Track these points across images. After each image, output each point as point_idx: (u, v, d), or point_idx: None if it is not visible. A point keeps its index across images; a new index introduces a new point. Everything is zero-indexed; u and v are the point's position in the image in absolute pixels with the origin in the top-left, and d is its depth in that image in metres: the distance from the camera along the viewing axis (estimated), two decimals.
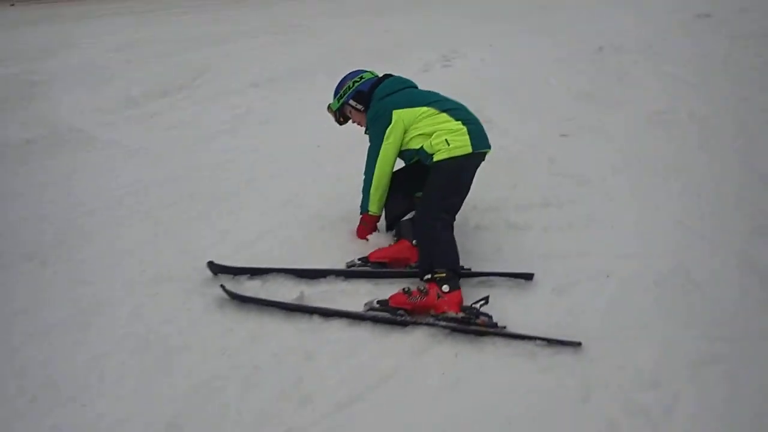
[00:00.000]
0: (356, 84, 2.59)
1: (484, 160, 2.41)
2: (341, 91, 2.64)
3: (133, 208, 3.03)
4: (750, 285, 2.11)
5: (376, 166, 2.46)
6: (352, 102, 2.59)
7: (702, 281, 2.13)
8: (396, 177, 2.54)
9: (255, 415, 1.70)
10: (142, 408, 1.74)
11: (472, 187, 2.37)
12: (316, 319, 2.07)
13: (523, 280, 2.25)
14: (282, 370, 1.86)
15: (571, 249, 2.44)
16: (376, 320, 2.05)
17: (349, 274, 2.36)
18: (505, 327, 1.96)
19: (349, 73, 2.66)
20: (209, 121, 4.48)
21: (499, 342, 1.90)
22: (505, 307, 2.10)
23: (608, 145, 3.51)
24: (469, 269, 2.29)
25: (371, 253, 2.42)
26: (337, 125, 2.76)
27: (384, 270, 2.37)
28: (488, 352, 1.88)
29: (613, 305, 2.06)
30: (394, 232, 2.57)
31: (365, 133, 2.60)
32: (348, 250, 2.50)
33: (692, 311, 2.00)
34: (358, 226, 2.62)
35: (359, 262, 2.42)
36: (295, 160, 3.55)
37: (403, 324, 2.02)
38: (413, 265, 2.35)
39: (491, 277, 2.26)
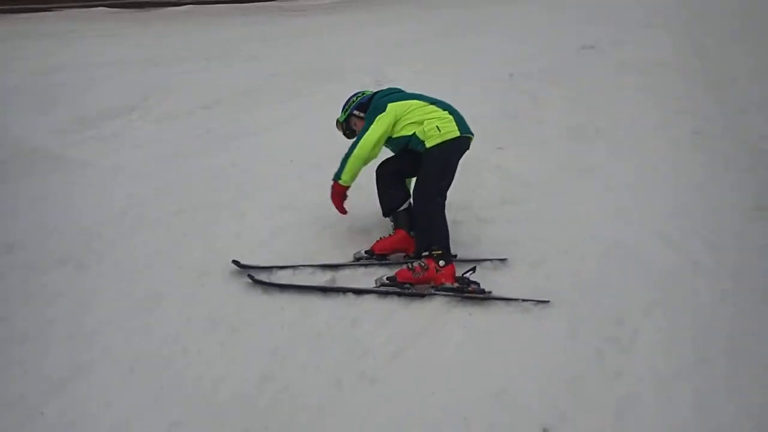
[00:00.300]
0: (359, 98, 3.11)
1: (468, 148, 2.90)
2: (346, 105, 3.14)
3: (142, 217, 3.31)
4: (668, 252, 2.86)
5: (360, 140, 2.84)
6: (356, 112, 3.08)
7: (636, 251, 2.87)
8: (389, 170, 3.00)
9: (332, 368, 2.15)
10: (231, 369, 2.13)
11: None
12: (350, 296, 2.55)
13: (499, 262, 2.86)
14: (338, 334, 2.33)
15: (533, 235, 3.08)
16: (386, 293, 2.55)
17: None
18: (491, 292, 2.55)
19: (353, 94, 3.17)
20: (174, 140, 4.74)
21: (501, 303, 2.48)
22: (495, 279, 2.69)
23: (538, 155, 4.23)
24: (455, 255, 2.83)
25: (374, 245, 2.91)
26: (344, 137, 3.18)
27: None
28: (494, 311, 2.47)
29: (577, 272, 2.72)
30: (391, 218, 2.99)
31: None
32: (354, 245, 2.98)
33: (634, 272, 2.71)
34: (331, 194, 2.92)
35: (365, 254, 2.90)
36: (277, 172, 3.94)
37: (410, 296, 2.53)
38: (411, 256, 2.88)
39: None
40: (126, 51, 7.89)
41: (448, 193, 2.81)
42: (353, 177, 2.88)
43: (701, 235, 3.03)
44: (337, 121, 3.20)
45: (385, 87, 3.26)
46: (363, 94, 3.16)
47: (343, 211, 2.98)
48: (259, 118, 5.22)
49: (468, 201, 3.46)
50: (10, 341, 2.24)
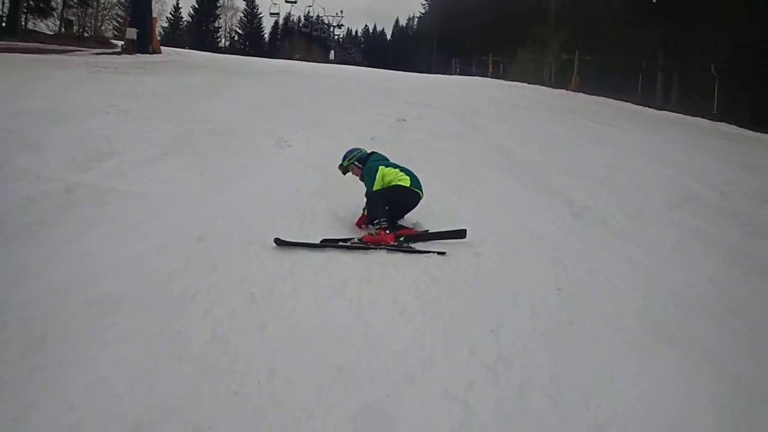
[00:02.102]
0: (358, 154, 5.56)
1: (418, 203, 5.43)
2: (350, 157, 5.56)
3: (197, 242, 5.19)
4: (572, 232, 5.82)
5: (372, 190, 5.33)
6: (357, 163, 5.53)
7: (540, 233, 5.70)
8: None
9: (327, 286, 4.38)
10: (267, 269, 4.42)
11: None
12: (339, 250, 4.85)
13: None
14: (333, 267, 4.52)
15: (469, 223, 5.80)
16: (354, 248, 4.87)
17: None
18: (414, 249, 5.09)
19: (352, 149, 5.68)
20: (174, 182, 6.38)
21: (417, 254, 5.06)
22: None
23: (469, 159, 7.01)
24: (427, 230, 5.39)
25: (364, 237, 5.17)
26: (342, 175, 5.72)
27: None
28: (431, 258, 5.05)
29: (502, 244, 5.40)
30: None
31: (360, 179, 5.53)
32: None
33: (540, 244, 5.49)
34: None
35: (357, 240, 5.14)
36: (287, 201, 6.00)
37: (371, 249, 4.88)
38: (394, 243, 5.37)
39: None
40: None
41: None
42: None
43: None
44: (341, 165, 5.61)
45: (377, 152, 5.75)
46: (360, 151, 5.62)
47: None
48: (235, 162, 7.07)
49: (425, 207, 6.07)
50: None
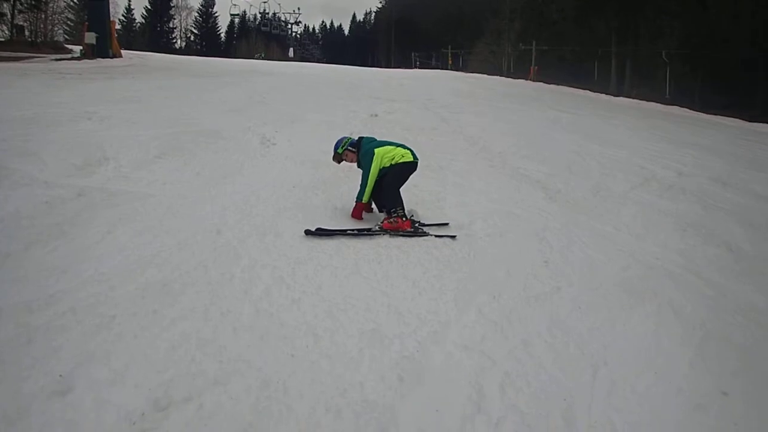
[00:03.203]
0: (349, 140, 5.97)
1: (416, 167, 5.89)
2: (342, 144, 5.93)
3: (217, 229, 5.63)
4: (549, 212, 6.43)
5: (368, 179, 5.68)
6: (350, 148, 5.91)
7: (521, 215, 6.31)
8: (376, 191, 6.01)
9: (352, 257, 4.97)
10: (309, 254, 4.95)
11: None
12: (377, 236, 5.45)
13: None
14: (358, 247, 5.17)
15: (456, 208, 6.36)
16: (377, 233, 5.44)
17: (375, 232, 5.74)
18: (429, 233, 5.67)
19: (340, 138, 6.07)
20: (175, 182, 6.75)
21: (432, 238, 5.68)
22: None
23: (443, 150, 7.54)
24: (413, 215, 5.93)
25: (383, 223, 5.79)
26: (336, 164, 6.12)
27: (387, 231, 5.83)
28: (430, 241, 5.61)
29: (489, 225, 5.98)
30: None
31: (357, 166, 5.91)
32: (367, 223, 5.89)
33: (523, 224, 6.08)
34: (353, 210, 5.72)
35: (377, 227, 5.78)
36: (287, 195, 6.44)
37: (390, 235, 5.43)
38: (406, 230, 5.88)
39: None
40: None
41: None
42: (369, 196, 5.82)
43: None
44: (336, 152, 5.96)
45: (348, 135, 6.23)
46: (349, 138, 6.05)
47: (361, 218, 5.80)
48: (227, 160, 7.46)
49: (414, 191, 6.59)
50: None
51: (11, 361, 3.02)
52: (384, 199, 5.72)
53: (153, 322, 3.47)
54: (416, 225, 5.68)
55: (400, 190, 5.71)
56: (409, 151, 5.82)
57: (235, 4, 52.23)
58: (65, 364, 3.03)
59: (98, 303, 3.63)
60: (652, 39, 24.94)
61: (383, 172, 5.69)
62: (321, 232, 5.23)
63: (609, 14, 27.54)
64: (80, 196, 5.84)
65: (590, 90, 23.35)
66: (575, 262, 5.13)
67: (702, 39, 21.78)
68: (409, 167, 5.77)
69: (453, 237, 5.47)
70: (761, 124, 16.60)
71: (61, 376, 2.93)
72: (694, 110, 19.08)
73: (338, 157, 6.01)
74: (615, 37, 28.06)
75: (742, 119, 17.35)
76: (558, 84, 24.67)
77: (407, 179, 5.83)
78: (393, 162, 5.69)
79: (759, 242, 5.83)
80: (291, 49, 54.32)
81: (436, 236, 5.46)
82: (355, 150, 5.90)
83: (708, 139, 12.87)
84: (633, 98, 21.51)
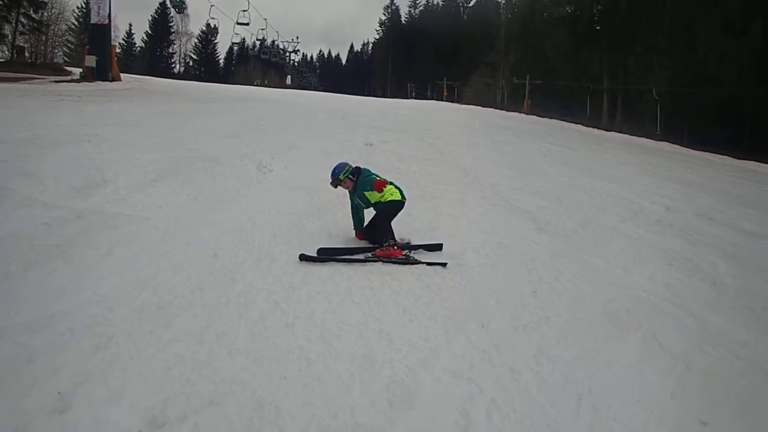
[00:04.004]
0: (350, 168, 6.08)
1: (403, 207, 6.08)
2: (344, 171, 6.03)
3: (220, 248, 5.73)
4: (539, 244, 6.56)
5: (356, 213, 6.11)
6: (351, 176, 6.06)
7: (511, 246, 6.42)
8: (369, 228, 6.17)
9: (344, 283, 5.13)
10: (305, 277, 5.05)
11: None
12: (369, 263, 5.56)
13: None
14: (350, 274, 5.28)
15: (447, 238, 6.49)
16: (371, 261, 5.60)
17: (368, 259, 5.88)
18: (420, 261, 5.79)
19: (341, 163, 6.16)
20: (171, 206, 6.86)
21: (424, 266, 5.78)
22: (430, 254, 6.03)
23: (436, 180, 7.68)
24: (409, 241, 6.14)
25: (375, 251, 5.94)
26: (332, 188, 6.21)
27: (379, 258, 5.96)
28: (421, 269, 5.72)
29: (480, 255, 6.11)
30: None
31: (351, 194, 6.10)
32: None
33: (513, 254, 6.21)
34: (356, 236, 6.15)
35: (371, 255, 5.91)
36: (282, 221, 6.57)
37: (383, 262, 5.59)
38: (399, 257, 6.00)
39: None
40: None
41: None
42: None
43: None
44: (338, 178, 6.04)
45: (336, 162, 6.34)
46: (350, 166, 6.13)
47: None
48: (224, 184, 7.59)
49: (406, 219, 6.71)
50: None
51: (11, 380, 3.10)
52: (377, 235, 5.90)
53: (149, 343, 3.56)
54: (407, 253, 5.80)
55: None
56: (397, 190, 6.06)
57: (237, 33, 52.98)
58: (64, 383, 3.12)
59: (96, 324, 3.72)
60: (642, 75, 25.47)
61: (377, 207, 5.97)
62: (317, 257, 5.39)
63: (600, 50, 28.16)
64: (79, 218, 5.96)
65: (582, 124, 23.77)
66: (563, 292, 5.24)
67: (690, 78, 22.28)
68: (397, 205, 5.99)
69: (444, 265, 5.59)
70: (749, 161, 16.91)
71: (60, 394, 3.01)
72: (683, 146, 19.44)
73: (337, 182, 6.12)
74: (606, 73, 28.65)
75: (731, 156, 17.67)
76: (551, 117, 25.08)
77: (396, 216, 6.03)
78: (382, 199, 5.92)
79: (742, 276, 5.96)
80: (289, 77, 54.95)
81: (427, 264, 5.57)
82: (354, 178, 6.06)
83: (696, 175, 13.13)
84: (624, 133, 21.89)
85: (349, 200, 6.26)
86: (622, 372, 3.92)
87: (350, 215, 6.29)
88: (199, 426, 2.90)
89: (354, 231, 6.26)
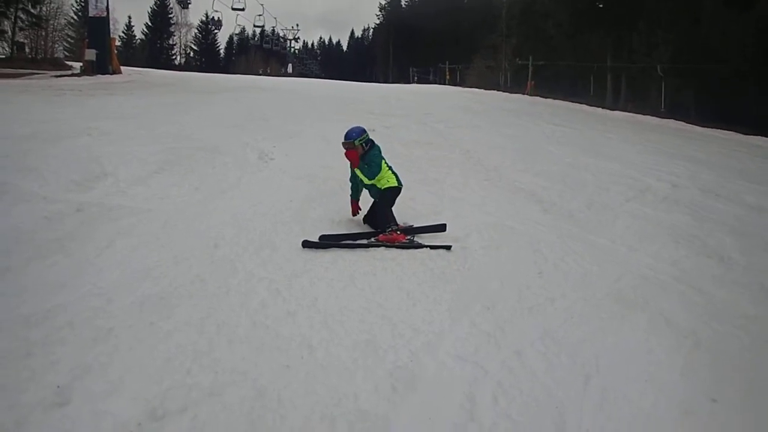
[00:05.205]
0: (366, 137, 5.97)
1: (400, 192, 6.05)
2: (360, 137, 5.90)
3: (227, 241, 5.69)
4: (544, 225, 6.49)
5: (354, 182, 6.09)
6: (365, 145, 5.97)
7: (516, 227, 6.36)
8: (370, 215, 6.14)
9: (347, 268, 5.07)
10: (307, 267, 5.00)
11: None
12: (372, 249, 5.49)
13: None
14: (355, 258, 5.23)
15: (451, 220, 6.42)
16: (374, 246, 5.54)
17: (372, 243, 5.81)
18: (424, 245, 5.72)
19: (359, 128, 6.03)
20: (173, 197, 6.81)
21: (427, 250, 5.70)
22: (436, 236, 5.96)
23: (439, 163, 7.59)
24: (412, 225, 6.08)
25: (378, 236, 5.88)
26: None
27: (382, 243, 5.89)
28: (425, 253, 5.65)
29: (484, 237, 6.04)
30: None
31: (359, 159, 5.93)
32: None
33: (517, 236, 6.15)
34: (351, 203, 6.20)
35: (374, 240, 5.85)
36: (284, 209, 6.51)
37: (386, 247, 5.51)
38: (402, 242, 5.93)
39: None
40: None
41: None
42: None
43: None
44: (353, 142, 5.88)
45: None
46: (367, 134, 6.00)
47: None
48: (226, 173, 7.53)
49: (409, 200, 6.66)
50: None
51: (10, 374, 3.07)
52: (378, 221, 5.87)
53: (149, 334, 3.53)
54: (411, 237, 5.74)
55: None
56: (394, 176, 6.04)
57: (238, 24, 52.60)
58: (63, 376, 3.09)
59: (96, 316, 3.69)
60: (646, 53, 25.16)
61: (372, 191, 6.03)
62: (320, 243, 5.37)
63: (604, 29, 27.82)
64: (79, 211, 5.91)
65: (586, 104, 23.47)
66: (569, 273, 5.18)
67: (694, 53, 21.98)
68: (395, 192, 6.00)
69: (448, 248, 5.53)
70: (755, 136, 16.69)
71: (58, 387, 2.98)
72: (689, 123, 19.21)
73: (350, 146, 5.91)
74: (610, 51, 28.32)
75: (737, 132, 17.45)
76: (554, 98, 24.82)
77: (395, 201, 6.02)
78: (378, 184, 5.95)
79: (749, 252, 5.88)
80: (290, 65, 54.71)
81: (431, 248, 5.51)
82: (366, 148, 5.94)
83: (702, 151, 12.96)
84: (628, 112, 21.66)
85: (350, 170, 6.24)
86: (629, 351, 3.86)
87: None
88: (199, 417, 2.86)
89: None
